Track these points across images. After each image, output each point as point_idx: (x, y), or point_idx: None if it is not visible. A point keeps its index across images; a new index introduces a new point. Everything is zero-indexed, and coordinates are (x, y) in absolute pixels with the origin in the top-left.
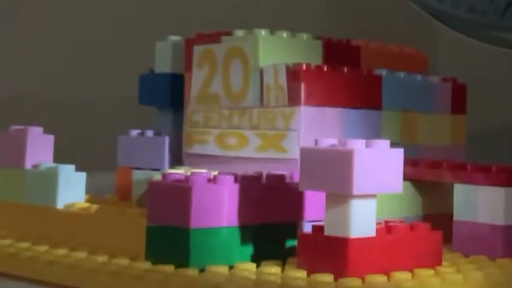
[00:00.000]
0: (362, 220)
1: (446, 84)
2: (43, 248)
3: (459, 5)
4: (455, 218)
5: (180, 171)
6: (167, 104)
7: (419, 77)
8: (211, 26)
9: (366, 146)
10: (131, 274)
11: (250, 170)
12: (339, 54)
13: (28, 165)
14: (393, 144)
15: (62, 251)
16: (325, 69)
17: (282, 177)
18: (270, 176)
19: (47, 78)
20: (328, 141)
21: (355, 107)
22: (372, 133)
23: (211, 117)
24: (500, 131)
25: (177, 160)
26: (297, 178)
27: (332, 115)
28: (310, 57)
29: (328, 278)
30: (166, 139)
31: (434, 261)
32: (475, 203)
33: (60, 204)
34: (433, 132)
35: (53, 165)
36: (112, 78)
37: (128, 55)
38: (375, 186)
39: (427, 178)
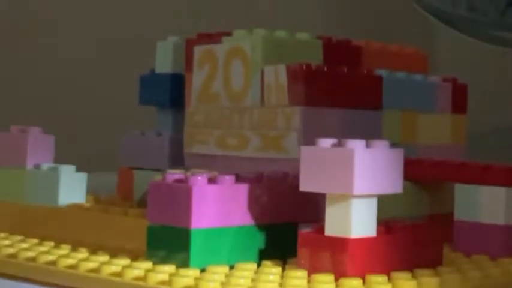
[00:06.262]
0: (362, 220)
1: (447, 84)
2: (44, 248)
3: (460, 4)
4: (456, 217)
5: (180, 172)
6: (168, 104)
7: (419, 77)
8: (211, 27)
9: (366, 146)
10: (132, 274)
11: (251, 170)
12: (339, 54)
13: (29, 165)
14: (393, 144)
15: (63, 251)
16: (326, 69)
17: (283, 177)
18: (271, 176)
19: (48, 79)
20: (329, 141)
21: (355, 107)
22: (372, 133)
23: (212, 117)
24: (500, 130)
25: (178, 160)
26: (297, 178)
27: (332, 115)
28: (311, 57)
29: (328, 277)
30: (168, 139)
31: (435, 261)
32: (475, 202)
33: (61, 204)
34: (433, 132)
35: (54, 165)
36: (113, 78)
37: (128, 55)
38: (375, 186)
39: (428, 178)
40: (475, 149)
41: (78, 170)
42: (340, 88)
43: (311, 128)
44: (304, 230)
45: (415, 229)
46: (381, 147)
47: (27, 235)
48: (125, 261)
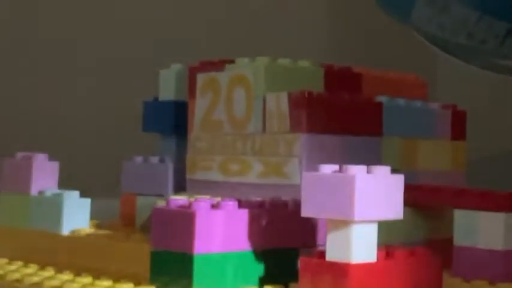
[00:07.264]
0: (363, 245)
1: (446, 111)
2: (48, 274)
3: (459, 32)
4: (455, 243)
5: (183, 197)
6: (171, 131)
7: (419, 104)
8: (213, 55)
9: (367, 172)
10: None
11: (253, 195)
12: (340, 81)
13: (33, 191)
14: (394, 170)
15: (67, 277)
16: (327, 96)
17: (285, 202)
18: (273, 202)
19: (52, 105)
20: (330, 167)
21: (356, 134)
22: (373, 159)
23: (215, 143)
24: (500, 156)
25: (180, 186)
26: (299, 204)
27: (333, 142)
28: (312, 85)
29: None
30: (171, 166)
31: (435, 286)
32: (475, 228)
33: (65, 230)
34: (433, 158)
35: (58, 191)
36: (116, 105)
37: (132, 82)
38: (376, 211)
39: (428, 204)
40: (474, 175)
41: (81, 195)
42: (341, 115)
43: (312, 155)
44: (306, 255)
45: (415, 254)
46: (381, 173)
47: (30, 261)
48: (127, 286)
